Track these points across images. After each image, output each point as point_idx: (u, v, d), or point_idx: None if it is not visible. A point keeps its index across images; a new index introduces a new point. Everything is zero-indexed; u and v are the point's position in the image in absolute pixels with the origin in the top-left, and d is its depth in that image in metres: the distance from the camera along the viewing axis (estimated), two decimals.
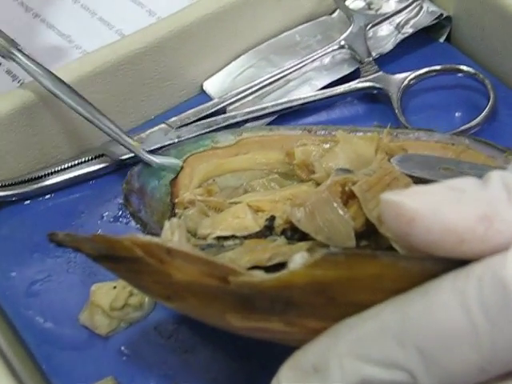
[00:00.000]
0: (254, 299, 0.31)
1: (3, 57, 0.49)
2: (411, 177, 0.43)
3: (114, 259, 0.34)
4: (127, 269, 0.34)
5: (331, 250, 0.29)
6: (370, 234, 0.40)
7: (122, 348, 0.43)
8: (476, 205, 0.28)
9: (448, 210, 0.28)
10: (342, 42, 0.56)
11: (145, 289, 0.36)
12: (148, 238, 0.33)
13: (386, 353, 0.29)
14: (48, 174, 0.50)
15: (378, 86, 0.54)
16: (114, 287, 0.44)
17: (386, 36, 0.58)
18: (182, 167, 0.49)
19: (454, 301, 0.28)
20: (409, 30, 0.57)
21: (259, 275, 0.30)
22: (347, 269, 0.29)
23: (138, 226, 0.45)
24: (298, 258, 0.29)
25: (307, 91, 0.55)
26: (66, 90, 0.48)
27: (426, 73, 0.54)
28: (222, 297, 0.32)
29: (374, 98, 0.55)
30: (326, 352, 0.30)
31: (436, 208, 0.28)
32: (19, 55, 0.48)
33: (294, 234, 0.42)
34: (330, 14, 0.60)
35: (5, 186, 0.49)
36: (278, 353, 0.42)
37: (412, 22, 0.58)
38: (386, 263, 0.29)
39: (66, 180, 0.50)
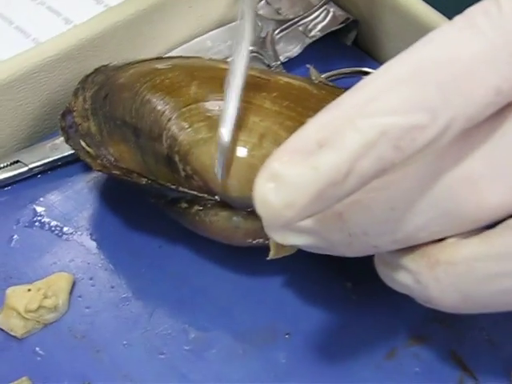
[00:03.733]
0: None
1: None
2: None
3: None
4: None
5: None
6: None
7: (37, 349, 0.45)
8: None
9: None
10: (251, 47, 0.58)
11: None
12: None
13: (404, 97, 0.28)
14: None
15: None
16: (29, 290, 0.46)
17: (293, 40, 0.59)
18: None
19: (467, 31, 0.28)
20: (317, 33, 0.59)
21: None
22: None
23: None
24: None
25: None
26: None
27: (333, 75, 0.56)
28: None
29: None
30: (331, 121, 0.28)
31: None
32: None
33: None
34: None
35: None
36: (186, 351, 0.44)
37: (320, 26, 0.60)
38: None
39: None
